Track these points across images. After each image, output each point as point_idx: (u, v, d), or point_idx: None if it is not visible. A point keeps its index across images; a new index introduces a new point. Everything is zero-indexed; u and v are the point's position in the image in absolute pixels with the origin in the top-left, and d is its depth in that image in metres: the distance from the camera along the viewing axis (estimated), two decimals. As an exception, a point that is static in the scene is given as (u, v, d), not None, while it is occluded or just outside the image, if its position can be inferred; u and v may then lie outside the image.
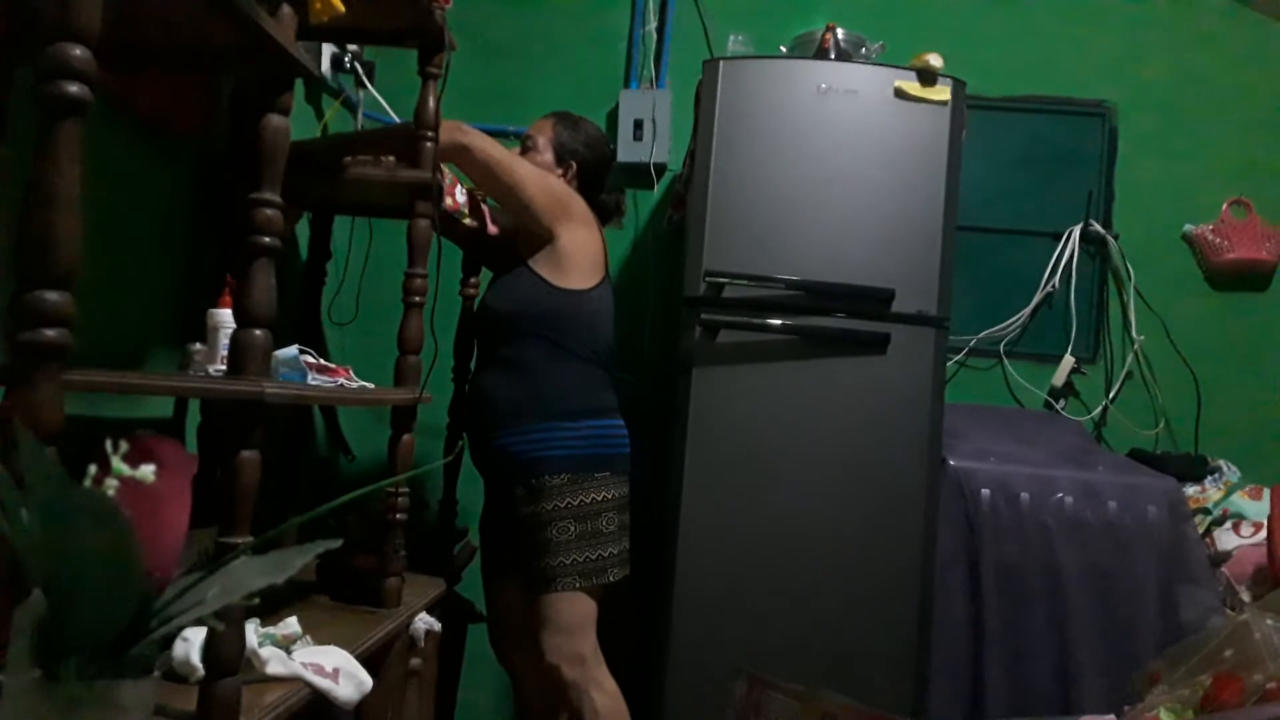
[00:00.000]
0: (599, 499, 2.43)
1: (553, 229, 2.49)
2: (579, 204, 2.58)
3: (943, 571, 2.78)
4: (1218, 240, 3.45)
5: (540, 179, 2.51)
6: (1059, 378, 3.41)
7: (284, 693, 1.56)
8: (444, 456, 2.70)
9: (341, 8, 1.63)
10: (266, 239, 1.52)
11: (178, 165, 2.16)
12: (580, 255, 2.52)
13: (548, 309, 2.48)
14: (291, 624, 1.75)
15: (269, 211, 1.53)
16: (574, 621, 2.45)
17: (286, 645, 1.71)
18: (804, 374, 2.73)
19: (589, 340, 2.50)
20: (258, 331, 1.50)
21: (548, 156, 2.66)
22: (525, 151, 2.64)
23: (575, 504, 2.40)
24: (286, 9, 1.54)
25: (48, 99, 1.03)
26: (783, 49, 3.06)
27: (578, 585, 2.40)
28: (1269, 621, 1.68)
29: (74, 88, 1.03)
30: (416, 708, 2.32)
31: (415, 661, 2.27)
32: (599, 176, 2.73)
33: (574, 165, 2.69)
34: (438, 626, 2.32)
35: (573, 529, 2.40)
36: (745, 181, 2.72)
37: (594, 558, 2.42)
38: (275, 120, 1.54)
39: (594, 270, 2.55)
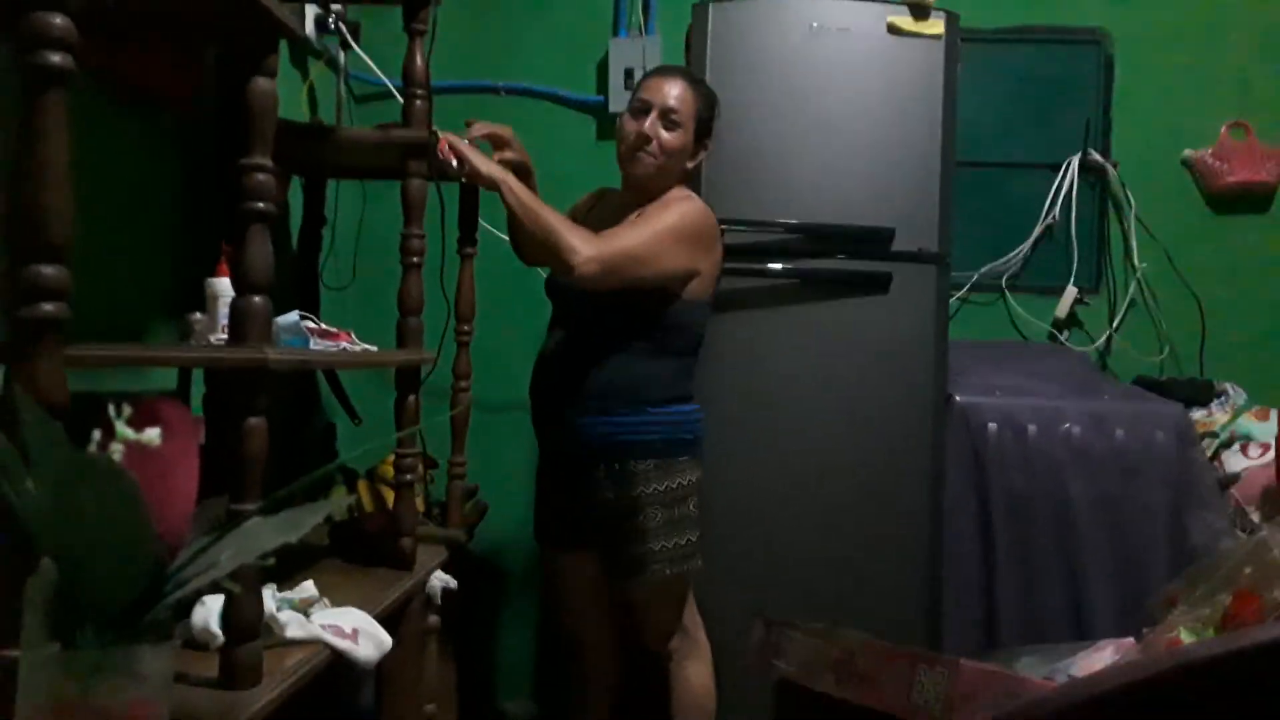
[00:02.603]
0: (684, 483, 2.39)
1: (696, 270, 2.39)
2: (710, 225, 2.42)
3: (953, 507, 2.79)
4: (1217, 164, 3.43)
5: (678, 244, 2.34)
6: (1062, 309, 3.40)
7: (305, 655, 1.57)
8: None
9: (322, -34, 1.61)
10: (260, 204, 1.51)
11: (166, 134, 2.14)
12: (710, 274, 2.43)
13: (665, 313, 2.38)
14: (308, 587, 1.76)
15: (261, 176, 1.52)
16: (668, 604, 2.46)
17: (304, 609, 1.71)
18: (807, 317, 2.73)
19: (691, 340, 2.45)
20: (257, 298, 1.50)
21: (690, 135, 2.43)
22: (670, 128, 2.39)
23: (662, 489, 2.36)
24: (265, -29, 1.51)
25: (29, 70, 1.02)
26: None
27: (669, 571, 2.38)
28: None
29: (56, 57, 1.02)
30: (436, 664, 2.35)
31: (433, 619, 2.30)
32: None
33: (707, 145, 2.50)
34: (454, 584, 2.34)
35: (660, 515, 2.35)
36: (740, 126, 2.69)
37: (682, 543, 2.39)
38: (261, 83, 1.52)
39: (716, 280, 2.47)
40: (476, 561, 2.96)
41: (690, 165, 2.47)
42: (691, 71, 2.55)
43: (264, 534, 1.06)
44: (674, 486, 2.37)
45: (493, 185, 2.23)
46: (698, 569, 2.45)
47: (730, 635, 2.52)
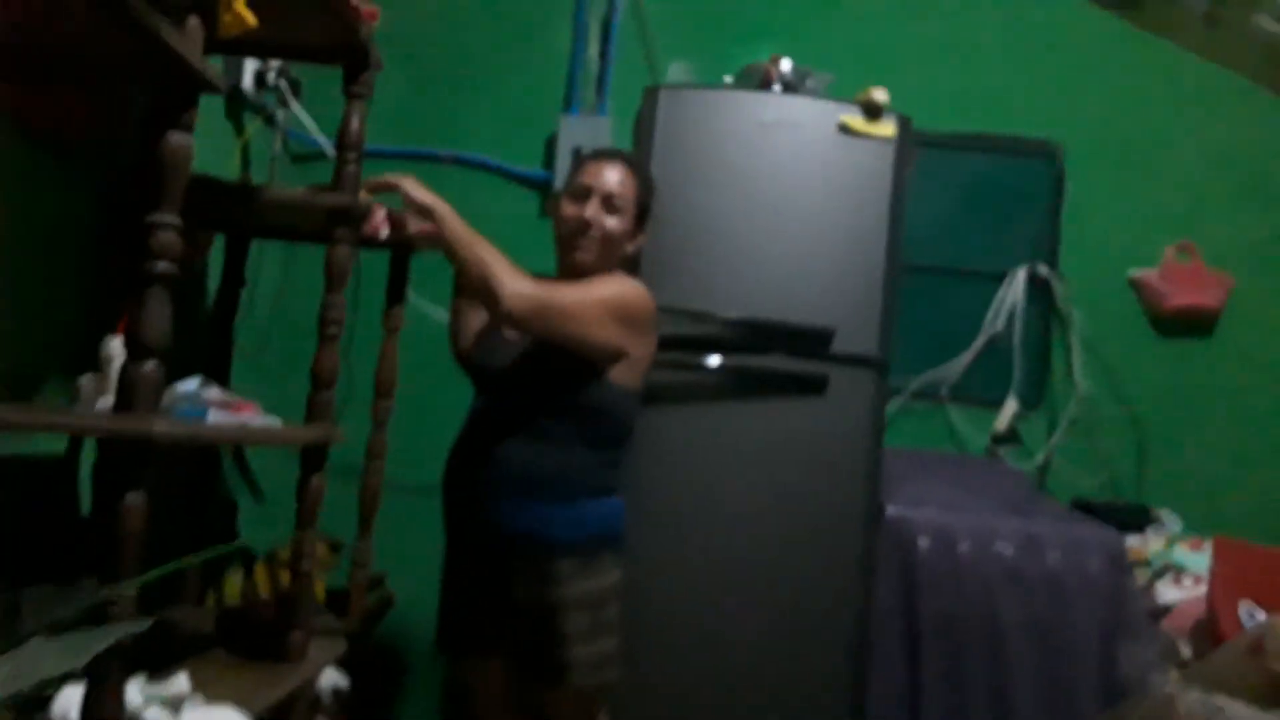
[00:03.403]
0: (606, 585, 2.24)
1: (624, 351, 2.26)
2: (648, 309, 2.30)
3: (881, 621, 2.70)
4: (1163, 286, 3.43)
5: (612, 318, 2.23)
6: (1002, 422, 3.36)
7: (169, 758, 1.46)
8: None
9: (252, 21, 1.53)
10: (162, 264, 1.42)
11: (79, 182, 2.02)
12: (641, 361, 2.30)
13: (598, 402, 2.25)
14: (180, 682, 1.65)
15: (166, 235, 1.43)
16: (582, 715, 2.30)
17: (174, 705, 1.60)
18: (740, 415, 2.66)
19: (619, 431, 2.31)
20: (149, 364, 1.40)
21: (630, 220, 2.33)
22: (611, 213, 2.29)
23: (585, 591, 2.20)
24: (194, 21, 1.42)
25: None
26: (728, 79, 2.99)
27: (588, 681, 2.22)
28: (1193, 695, 1.63)
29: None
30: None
31: (321, 720, 2.15)
32: None
33: (645, 230, 2.40)
34: (345, 683, 2.19)
35: (581, 619, 2.20)
36: (683, 215, 2.64)
37: (603, 651, 2.23)
38: (176, 138, 1.43)
39: (646, 370, 2.34)
40: (378, 658, 2.79)
41: (630, 250, 2.39)
42: (630, 156, 2.48)
43: (45, 659, 0.94)
44: (596, 588, 2.22)
45: (429, 211, 2.09)
46: (614, 679, 2.29)
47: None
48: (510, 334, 2.31)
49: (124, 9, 1.22)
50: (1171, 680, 1.74)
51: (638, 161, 2.44)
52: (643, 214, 2.37)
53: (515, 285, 2.11)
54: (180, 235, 1.42)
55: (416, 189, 2.09)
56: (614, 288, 2.26)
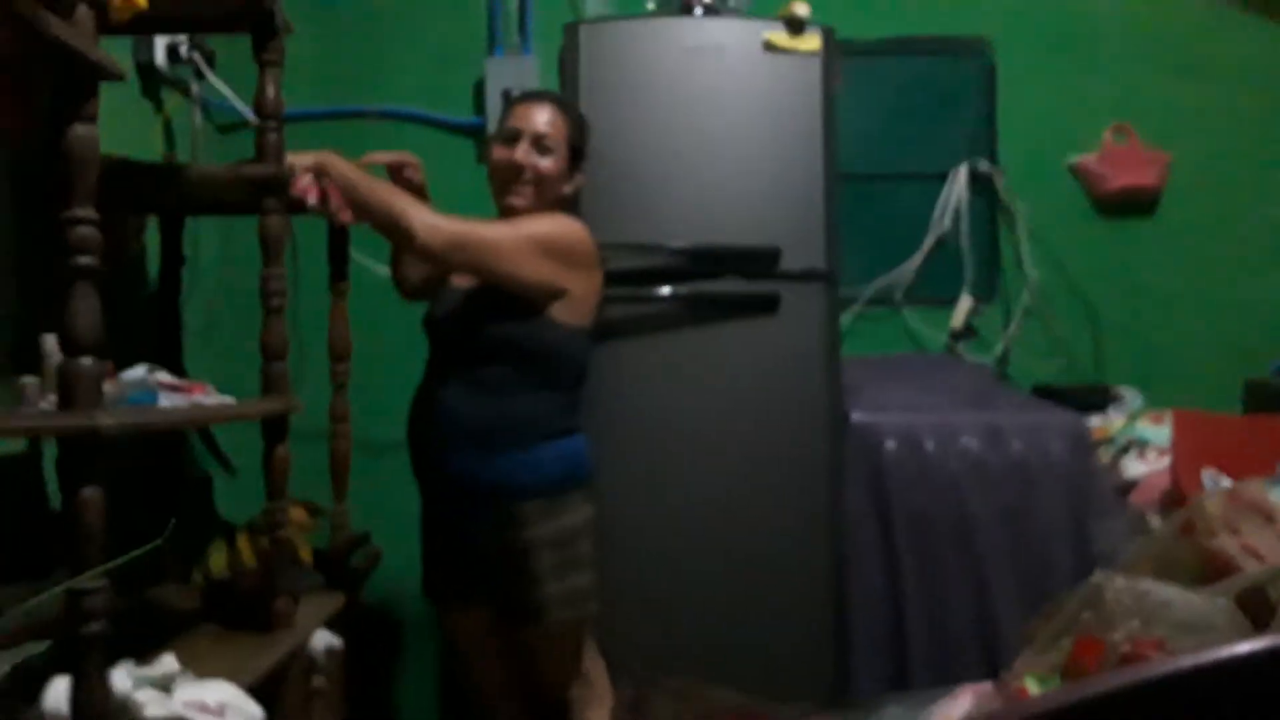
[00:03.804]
0: (574, 523, 2.28)
1: (561, 288, 2.26)
2: (584, 244, 2.30)
3: (855, 529, 2.76)
4: (1102, 169, 3.45)
5: (543, 255, 2.23)
6: (957, 319, 3.38)
7: (165, 736, 1.48)
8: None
9: (142, 2, 1.50)
10: (84, 259, 1.41)
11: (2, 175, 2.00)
12: (585, 299, 2.31)
13: (544, 344, 2.27)
14: (168, 661, 1.66)
15: (84, 230, 1.41)
16: (565, 651, 2.36)
17: (164, 685, 1.62)
18: (695, 342, 2.68)
19: (573, 372, 2.33)
20: (86, 359, 1.40)
21: (563, 160, 2.34)
22: (543, 154, 2.30)
23: (552, 530, 2.24)
24: (83, 9, 1.41)
25: None
26: (650, 5, 2.96)
27: (563, 616, 2.27)
28: (1119, 581, 1.68)
29: None
30: (325, 729, 2.23)
31: (318, 681, 2.18)
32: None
33: (580, 171, 2.41)
34: (339, 643, 2.22)
35: (550, 557, 2.24)
36: (618, 148, 2.63)
37: (577, 586, 2.27)
38: (80, 130, 1.42)
39: (595, 308, 2.35)
40: (370, 614, 2.83)
41: (567, 191, 2.38)
42: (559, 95, 2.47)
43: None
44: (564, 526, 2.27)
45: (319, 169, 2.10)
46: (592, 613, 2.35)
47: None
48: (457, 283, 2.32)
49: (3, 5, 1.20)
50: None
51: (568, 101, 2.45)
52: (576, 154, 2.37)
53: (426, 219, 2.14)
54: (97, 227, 1.41)
55: (295, 156, 2.08)
56: (544, 224, 2.27)
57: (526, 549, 2.24)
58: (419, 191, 2.38)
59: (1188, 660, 0.98)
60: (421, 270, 2.47)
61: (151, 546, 1.39)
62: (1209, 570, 1.83)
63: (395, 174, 2.37)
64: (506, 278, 2.21)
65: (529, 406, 2.27)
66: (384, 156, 2.38)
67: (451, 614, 2.48)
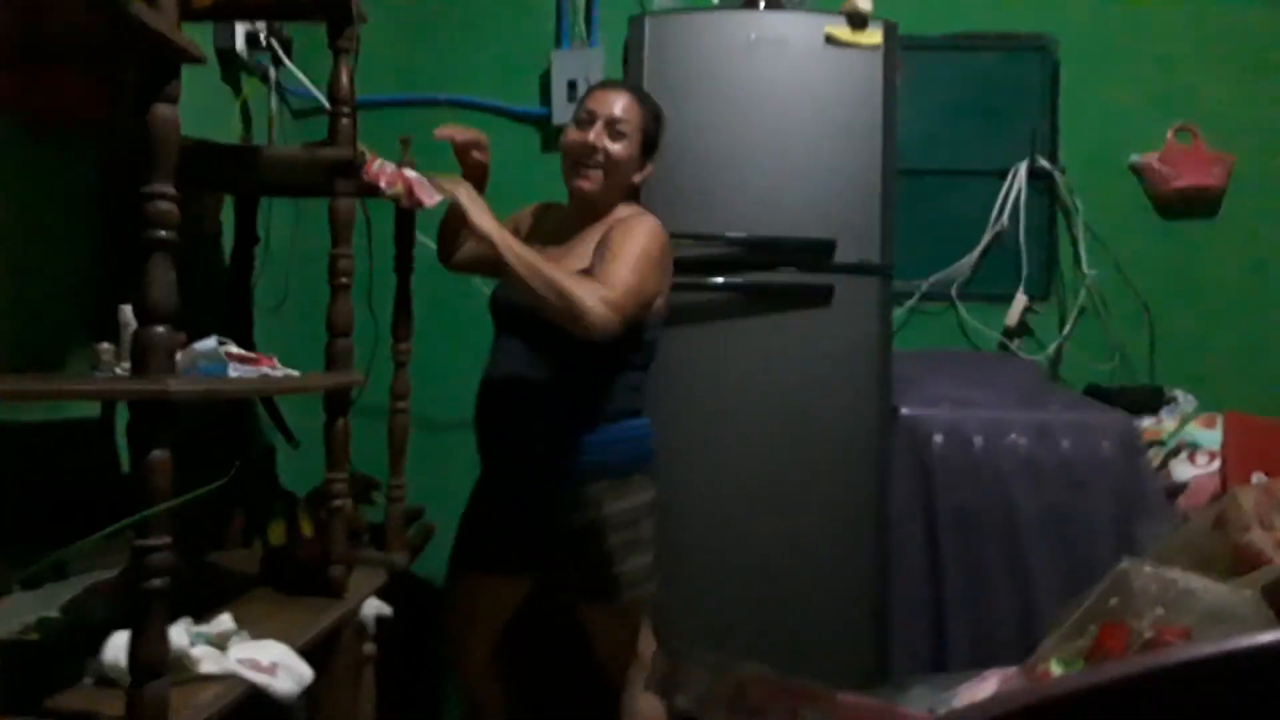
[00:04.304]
0: (639, 504, 2.32)
1: (662, 290, 2.34)
2: (668, 242, 2.35)
3: (899, 521, 2.78)
4: (1164, 169, 3.43)
5: (656, 268, 2.28)
6: (1012, 317, 3.39)
7: (219, 691, 1.53)
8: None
9: (222, -10, 1.57)
10: (162, 233, 1.47)
11: (80, 161, 2.09)
12: (668, 290, 2.37)
13: (627, 331, 2.27)
14: (225, 621, 1.71)
15: (162, 204, 1.48)
16: (624, 631, 2.40)
17: (221, 642, 1.68)
18: (750, 331, 2.71)
19: (645, 356, 2.37)
20: (159, 328, 1.46)
21: (635, 147, 2.36)
22: (615, 139, 2.32)
23: (617, 510, 2.28)
24: (166, -5, 1.48)
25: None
26: (714, -1, 3.01)
27: (625, 596, 2.31)
28: (1147, 569, 1.70)
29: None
30: (373, 694, 2.30)
31: (368, 648, 2.25)
32: None
33: (653, 160, 2.42)
34: (389, 611, 2.29)
35: (617, 537, 2.28)
36: (679, 139, 2.66)
37: (639, 567, 2.31)
38: (162, 110, 1.48)
39: (668, 293, 2.40)
40: (424, 586, 2.91)
41: (637, 180, 2.42)
42: (638, 86, 2.50)
43: (26, 608, 1.02)
44: (629, 507, 2.30)
45: (489, 240, 2.13)
46: (653, 593, 2.38)
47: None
48: None
49: (94, -7, 1.27)
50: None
51: (645, 93, 2.45)
52: (648, 143, 2.39)
53: (599, 306, 2.11)
54: (176, 203, 1.48)
55: (475, 212, 2.11)
56: (644, 237, 2.28)
57: (593, 529, 2.27)
58: (482, 172, 2.38)
59: (1210, 647, 1.00)
60: (472, 250, 2.48)
61: (208, 489, 1.45)
62: (1240, 563, 1.84)
63: (463, 153, 2.37)
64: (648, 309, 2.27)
65: (601, 387, 2.31)
66: (460, 134, 2.34)
67: (485, 581, 2.47)
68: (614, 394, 2.33)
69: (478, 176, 2.35)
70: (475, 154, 2.36)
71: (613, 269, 2.21)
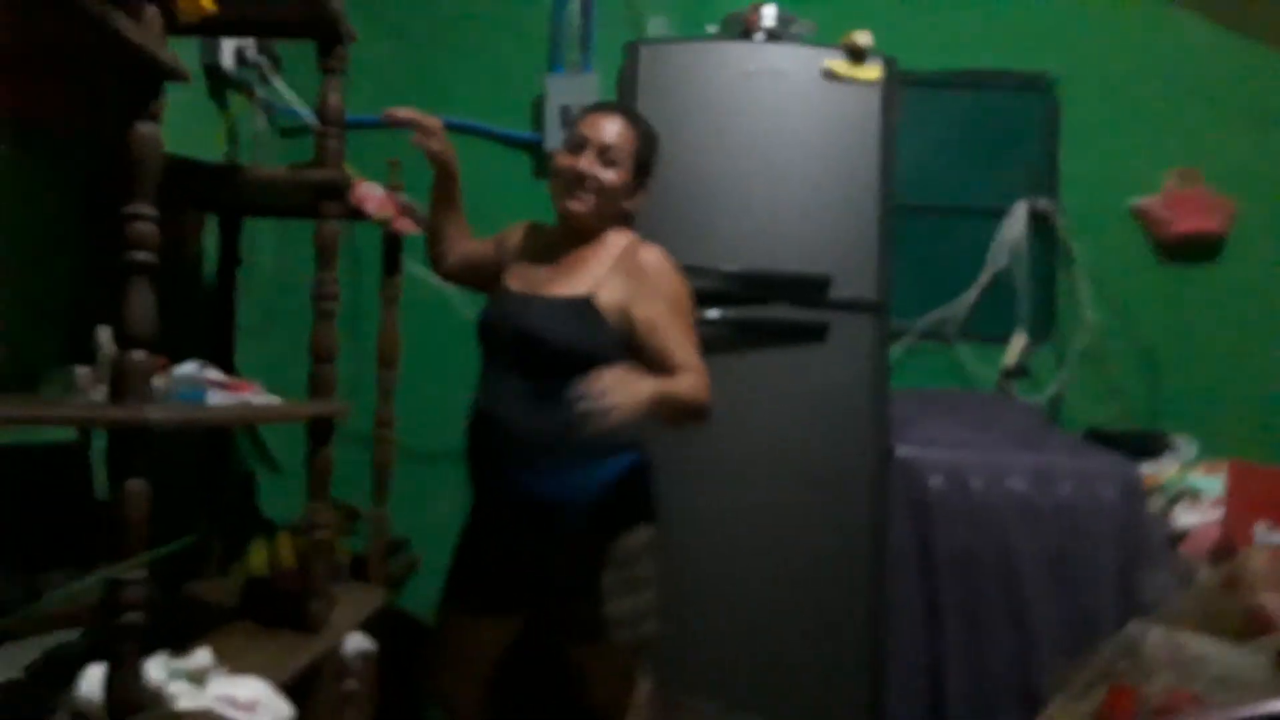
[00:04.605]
0: (638, 542, 2.25)
1: None
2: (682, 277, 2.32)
3: (896, 563, 2.73)
4: (1166, 212, 3.41)
5: (691, 311, 2.29)
6: (1010, 358, 3.35)
7: (196, 729, 1.49)
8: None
9: (210, 5, 1.53)
10: (142, 255, 1.43)
11: (64, 173, 2.04)
12: None
13: (619, 361, 2.17)
14: (202, 656, 1.67)
15: (143, 226, 1.44)
16: (618, 672, 2.31)
17: (198, 678, 1.63)
18: (742, 366, 2.67)
19: None
20: (138, 354, 1.42)
21: (628, 173, 2.28)
22: (607, 166, 2.24)
23: (615, 547, 2.21)
24: (151, 10, 1.43)
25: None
26: (711, 29, 2.97)
27: (624, 635, 2.23)
28: (1157, 632, 1.65)
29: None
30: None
31: (349, 684, 2.19)
32: None
33: (646, 186, 2.35)
34: (372, 646, 2.23)
35: (613, 575, 2.21)
36: (673, 169, 2.61)
37: (638, 605, 2.24)
38: (144, 129, 1.44)
39: None
40: (406, 619, 2.84)
41: (628, 206, 2.37)
42: (633, 109, 2.44)
43: None
44: (628, 545, 2.23)
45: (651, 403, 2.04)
46: (651, 634, 2.28)
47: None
48: (519, 290, 2.29)
49: (75, 4, 1.22)
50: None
51: (640, 116, 2.37)
52: (641, 169, 2.32)
53: (703, 393, 2.14)
54: (157, 224, 1.43)
55: (636, 393, 1.99)
56: (673, 298, 2.25)
57: (590, 566, 2.20)
58: (446, 163, 2.32)
59: (1221, 715, 0.96)
60: (464, 254, 2.42)
61: (184, 543, 1.41)
62: (1250, 626, 1.80)
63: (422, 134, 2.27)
64: None
65: None
66: (415, 116, 2.25)
67: (477, 622, 2.36)
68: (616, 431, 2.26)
69: (441, 160, 2.29)
70: (419, 138, 2.27)
71: (680, 347, 2.20)
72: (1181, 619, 1.89)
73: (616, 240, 2.29)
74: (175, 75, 1.46)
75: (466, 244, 2.41)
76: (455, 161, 2.34)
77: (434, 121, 2.29)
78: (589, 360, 2.19)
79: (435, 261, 2.45)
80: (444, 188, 2.34)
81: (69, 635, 1.67)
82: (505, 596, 2.31)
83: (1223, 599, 1.87)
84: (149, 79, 1.44)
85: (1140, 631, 1.65)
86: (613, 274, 2.23)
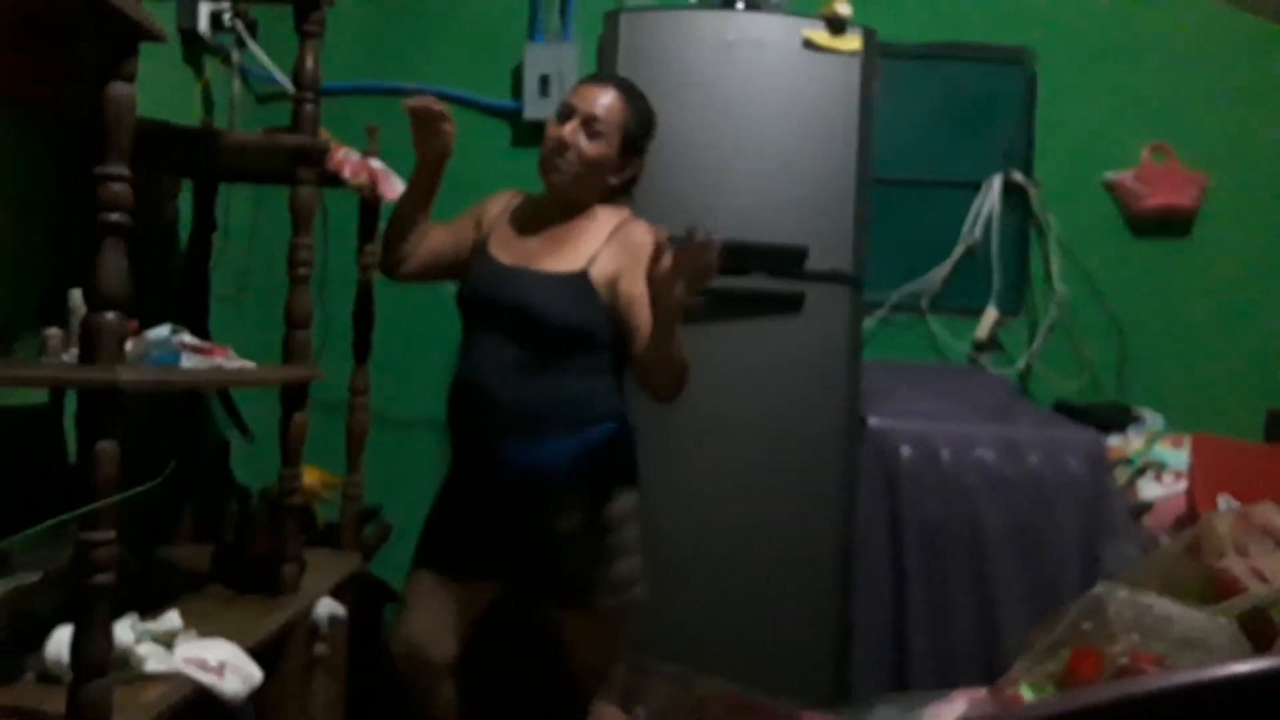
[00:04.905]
0: (623, 506, 2.25)
1: None
2: None
3: (865, 532, 2.76)
4: (1139, 187, 3.43)
5: None
6: (982, 331, 3.39)
7: (164, 690, 1.50)
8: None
9: (185, -35, 1.52)
10: (115, 216, 1.43)
11: (38, 141, 2.03)
12: None
13: (607, 331, 2.23)
14: (171, 618, 1.68)
15: (116, 186, 1.43)
16: (603, 638, 2.30)
17: (167, 640, 1.64)
18: (718, 337, 2.67)
19: (626, 358, 2.28)
20: (110, 315, 1.41)
21: (613, 148, 2.26)
22: (592, 137, 2.22)
23: (601, 513, 2.22)
24: (125, -32, 1.42)
25: None
26: (692, -2, 2.97)
27: (610, 601, 2.23)
28: (1122, 594, 1.68)
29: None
30: (324, 696, 2.25)
31: (320, 648, 2.20)
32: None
33: (636, 163, 2.33)
34: (343, 611, 2.24)
35: (599, 541, 2.21)
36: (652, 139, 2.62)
37: (621, 573, 2.24)
38: (118, 88, 1.44)
39: None
40: (380, 586, 2.86)
41: (615, 181, 2.35)
42: (630, 83, 2.39)
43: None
44: (616, 510, 2.24)
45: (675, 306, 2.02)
46: (638, 599, 2.27)
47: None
48: (505, 260, 2.26)
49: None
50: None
51: (636, 92, 2.33)
52: (631, 145, 2.30)
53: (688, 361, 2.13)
54: (130, 185, 1.43)
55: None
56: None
57: (580, 532, 2.21)
58: (445, 147, 2.24)
59: (1184, 676, 0.98)
60: (427, 255, 2.34)
61: (147, 487, 1.41)
62: (1214, 590, 1.83)
63: (431, 127, 2.19)
64: None
65: (590, 388, 2.24)
66: (434, 106, 2.17)
67: (456, 584, 2.32)
68: (601, 396, 2.26)
69: (442, 152, 2.23)
70: (445, 125, 2.21)
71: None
72: (1144, 581, 1.92)
73: (608, 216, 2.28)
74: (150, 35, 1.46)
75: (430, 242, 2.33)
76: (450, 152, 2.26)
77: (444, 107, 2.20)
78: (583, 335, 2.21)
79: (394, 265, 2.34)
80: (431, 180, 2.26)
81: (39, 594, 1.66)
82: (485, 560, 2.30)
83: (1186, 564, 1.90)
84: (124, 39, 1.44)
85: (1106, 593, 1.68)
86: (605, 250, 2.23)
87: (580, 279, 2.20)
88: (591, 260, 2.21)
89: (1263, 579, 1.77)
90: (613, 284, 2.20)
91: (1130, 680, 1.35)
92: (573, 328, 2.20)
